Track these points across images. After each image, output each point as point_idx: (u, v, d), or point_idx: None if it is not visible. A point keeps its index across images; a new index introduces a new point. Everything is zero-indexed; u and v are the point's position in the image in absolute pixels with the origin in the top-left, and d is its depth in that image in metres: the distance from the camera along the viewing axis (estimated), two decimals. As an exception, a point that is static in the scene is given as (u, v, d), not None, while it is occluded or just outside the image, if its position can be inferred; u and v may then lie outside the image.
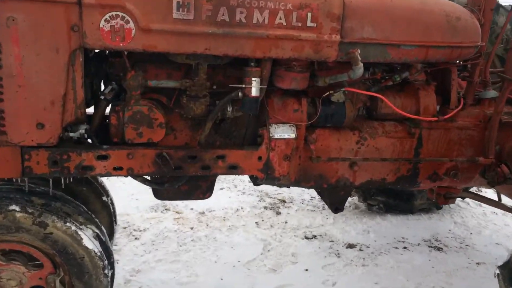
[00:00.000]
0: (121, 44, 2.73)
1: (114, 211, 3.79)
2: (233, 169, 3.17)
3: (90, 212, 3.14)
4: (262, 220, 5.49)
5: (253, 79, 3.01)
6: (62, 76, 2.73)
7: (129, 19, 2.69)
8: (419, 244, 5.17)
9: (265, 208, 5.80)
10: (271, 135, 3.16)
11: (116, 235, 4.82)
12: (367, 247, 5.02)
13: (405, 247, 5.08)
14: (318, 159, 3.29)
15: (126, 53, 2.90)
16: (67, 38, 2.67)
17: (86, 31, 2.67)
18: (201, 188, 3.42)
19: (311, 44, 2.97)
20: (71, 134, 2.97)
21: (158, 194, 3.38)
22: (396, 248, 5.05)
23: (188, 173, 3.11)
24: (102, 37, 2.69)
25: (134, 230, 5.04)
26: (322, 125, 3.36)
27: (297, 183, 3.43)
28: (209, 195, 3.47)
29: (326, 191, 3.74)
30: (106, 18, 2.66)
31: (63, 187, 3.04)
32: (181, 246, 4.79)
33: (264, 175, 3.24)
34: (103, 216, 3.68)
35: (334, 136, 3.39)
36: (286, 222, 5.48)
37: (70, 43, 2.68)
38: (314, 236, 5.18)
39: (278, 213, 5.70)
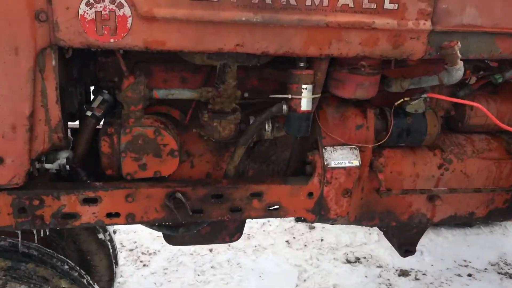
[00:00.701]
0: (112, 40, 1.82)
1: (114, 250, 2.95)
2: (273, 211, 2.28)
3: (78, 269, 2.28)
4: (294, 238, 4.62)
5: (303, 86, 2.08)
6: (25, 88, 1.84)
7: (123, 1, 1.77)
8: (485, 269, 4.27)
9: (296, 220, 4.93)
10: (326, 163, 2.25)
11: (121, 261, 4.02)
12: (424, 274, 4.14)
13: (470, 274, 4.18)
14: (388, 193, 2.37)
15: (121, 52, 1.99)
16: (29, 32, 1.77)
17: (58, 21, 1.76)
18: (227, 229, 2.55)
19: (388, 35, 2.03)
20: (47, 166, 2.11)
21: (170, 240, 2.51)
22: (459, 275, 4.16)
23: (211, 218, 2.23)
24: (84, 29, 1.79)
25: (143, 253, 4.22)
26: (392, 144, 2.44)
27: (358, 222, 2.53)
28: (238, 237, 2.60)
29: (393, 229, 2.84)
30: (89, 1, 1.75)
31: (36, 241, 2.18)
32: (198, 275, 3.96)
33: (315, 217, 2.35)
34: (100, 258, 2.84)
35: (408, 159, 2.47)
36: (322, 240, 4.61)
37: (35, 39, 1.78)
38: (358, 259, 4.31)
39: (312, 228, 4.82)
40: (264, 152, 2.39)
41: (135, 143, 2.07)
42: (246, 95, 2.28)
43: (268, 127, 2.21)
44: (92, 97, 2.30)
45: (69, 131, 2.24)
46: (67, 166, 2.16)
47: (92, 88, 2.34)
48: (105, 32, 1.81)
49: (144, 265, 4.06)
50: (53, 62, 1.87)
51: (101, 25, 1.80)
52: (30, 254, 2.14)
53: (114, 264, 2.93)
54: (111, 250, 2.90)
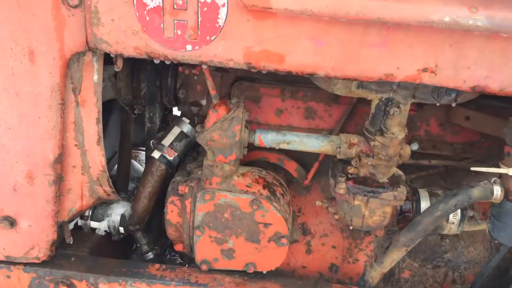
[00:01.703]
0: (189, 47, 1.00)
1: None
2: None
3: None
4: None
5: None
6: (47, 117, 1.10)
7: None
8: None
9: None
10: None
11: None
12: None
13: None
14: None
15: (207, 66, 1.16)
16: (52, 25, 1.01)
17: (98, 8, 0.97)
18: None
19: None
20: (93, 225, 1.41)
21: None
22: None
23: None
24: (142, 26, 0.98)
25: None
26: None
27: None
28: None
29: None
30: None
31: None
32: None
33: None
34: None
35: None
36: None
37: (61, 37, 1.02)
38: None
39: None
40: (433, 246, 1.41)
41: (218, 217, 1.24)
42: (415, 147, 1.32)
43: (454, 217, 1.22)
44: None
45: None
46: (121, 229, 1.42)
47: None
48: (179, 32, 0.99)
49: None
50: (95, 77, 1.10)
51: (172, 19, 0.97)
52: None
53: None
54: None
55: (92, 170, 1.22)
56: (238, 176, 1.26)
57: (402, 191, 1.18)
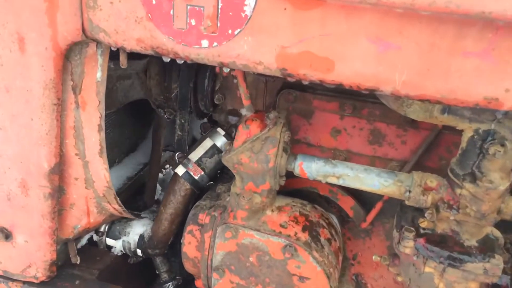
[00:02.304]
0: (205, 43, 0.74)
1: None
2: None
3: None
4: None
5: None
6: (40, 118, 0.90)
7: None
8: None
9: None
10: None
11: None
12: None
13: None
14: None
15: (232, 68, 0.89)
16: (42, 5, 0.80)
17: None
18: None
19: None
20: (109, 242, 1.23)
21: None
22: None
23: None
24: (147, 13, 0.74)
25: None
26: None
27: None
28: None
29: None
30: None
31: None
32: None
33: None
34: None
35: None
36: None
37: (54, 22, 0.81)
38: None
39: None
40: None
41: (241, 260, 0.97)
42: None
43: None
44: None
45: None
46: (138, 251, 1.21)
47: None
48: (193, 22, 0.73)
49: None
50: (98, 74, 0.88)
51: (185, 4, 0.72)
52: None
53: None
54: None
55: (97, 185, 1.01)
56: (272, 211, 0.98)
57: (497, 263, 0.83)
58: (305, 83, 0.75)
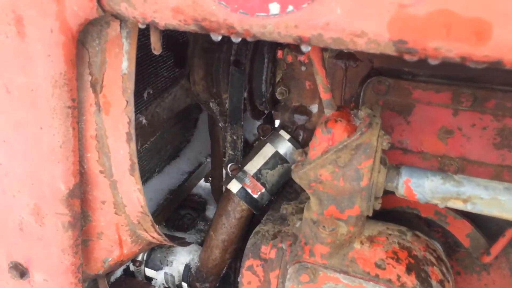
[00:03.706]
0: (278, 11, 0.47)
1: None
2: None
3: None
4: None
5: None
6: (50, 125, 0.68)
7: None
8: None
9: None
10: None
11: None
12: None
13: None
14: None
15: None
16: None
17: None
18: None
19: None
20: (148, 273, 1.01)
21: None
22: None
23: None
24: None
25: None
26: None
27: None
28: None
29: None
30: None
31: None
32: None
33: None
34: None
35: None
36: None
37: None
38: None
39: None
40: None
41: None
42: None
43: None
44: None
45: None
46: (184, 285, 0.98)
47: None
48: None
49: None
50: (124, 65, 0.65)
51: None
52: None
53: None
54: None
55: (129, 209, 0.78)
56: (361, 244, 0.72)
57: None
58: (432, 62, 0.47)
